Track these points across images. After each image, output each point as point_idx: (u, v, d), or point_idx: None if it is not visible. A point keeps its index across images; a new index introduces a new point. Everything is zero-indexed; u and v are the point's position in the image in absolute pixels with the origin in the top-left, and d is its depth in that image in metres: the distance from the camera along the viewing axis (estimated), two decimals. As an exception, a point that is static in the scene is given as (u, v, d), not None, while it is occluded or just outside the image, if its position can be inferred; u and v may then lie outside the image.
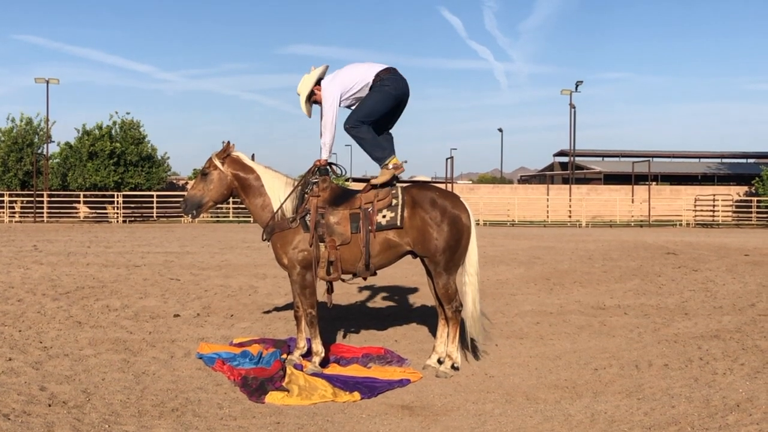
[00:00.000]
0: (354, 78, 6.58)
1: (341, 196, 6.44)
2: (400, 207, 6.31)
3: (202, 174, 6.57)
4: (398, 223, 6.29)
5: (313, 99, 6.74)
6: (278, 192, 6.45)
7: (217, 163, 6.50)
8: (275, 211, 6.41)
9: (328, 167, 6.65)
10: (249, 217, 37.62)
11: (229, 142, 6.58)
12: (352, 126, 6.57)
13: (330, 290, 6.70)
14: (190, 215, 6.61)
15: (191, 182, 44.55)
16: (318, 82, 6.64)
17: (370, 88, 6.57)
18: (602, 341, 7.77)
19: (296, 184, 6.53)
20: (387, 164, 6.52)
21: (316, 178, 6.50)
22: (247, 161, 6.60)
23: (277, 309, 9.39)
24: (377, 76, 6.57)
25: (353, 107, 6.70)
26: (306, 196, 6.41)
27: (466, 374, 6.38)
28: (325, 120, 6.54)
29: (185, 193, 6.68)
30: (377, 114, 6.60)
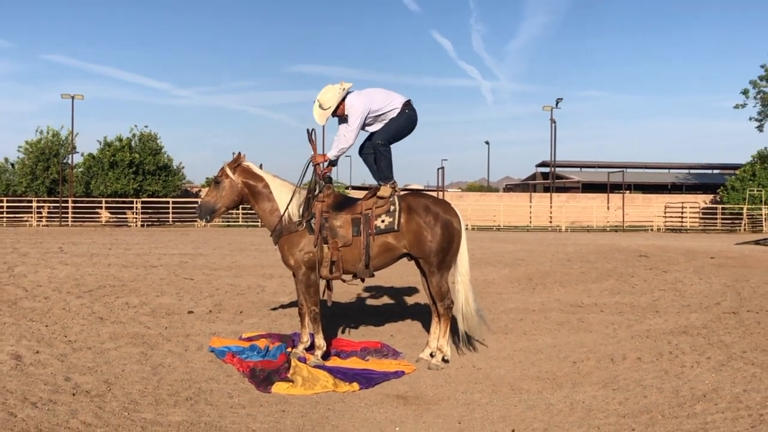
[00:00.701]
0: (383, 101, 6.62)
1: (343, 203, 6.47)
2: (397, 212, 6.34)
3: (215, 182, 6.52)
4: (396, 227, 6.31)
5: (336, 111, 6.62)
6: (286, 198, 6.43)
7: (229, 172, 6.46)
8: (283, 215, 6.40)
9: (330, 177, 6.67)
10: (257, 221, 37.60)
11: (240, 153, 6.56)
12: (383, 144, 6.65)
13: (329, 288, 6.69)
14: (204, 220, 6.56)
15: (204, 190, 44.54)
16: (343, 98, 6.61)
17: (399, 113, 6.65)
18: (580, 336, 7.77)
19: (295, 188, 6.51)
20: (388, 185, 6.54)
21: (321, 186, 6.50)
22: (257, 170, 6.56)
23: (283, 306, 9.38)
24: (405, 104, 6.69)
25: (370, 126, 6.74)
26: (311, 201, 6.41)
27: (456, 367, 6.37)
28: (351, 129, 6.49)
29: (200, 199, 6.61)
30: (400, 137, 6.80)
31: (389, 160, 6.70)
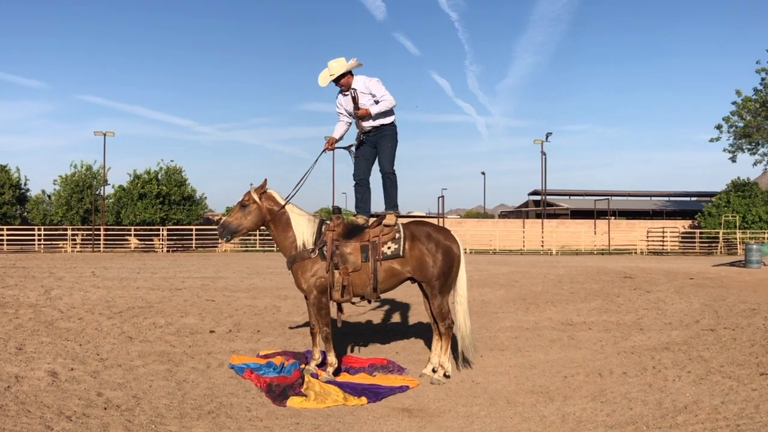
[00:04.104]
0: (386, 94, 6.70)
1: (352, 231, 6.45)
2: (402, 240, 6.35)
3: (242, 205, 6.37)
4: (401, 254, 6.32)
5: (340, 80, 6.68)
6: (301, 227, 6.40)
7: (256, 197, 6.35)
8: (297, 243, 6.39)
9: (339, 207, 6.70)
10: (272, 246, 37.60)
11: (266, 180, 6.45)
12: (394, 172, 6.76)
13: (340, 310, 6.65)
14: (225, 239, 6.42)
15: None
16: (349, 71, 6.68)
17: (393, 133, 6.76)
18: (571, 353, 7.73)
19: (310, 218, 6.52)
20: (391, 214, 6.59)
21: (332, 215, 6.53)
22: (279, 198, 6.47)
23: (297, 326, 9.36)
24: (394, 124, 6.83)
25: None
26: (323, 230, 6.41)
27: (456, 381, 6.35)
28: (389, 95, 6.60)
29: (223, 219, 6.49)
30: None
31: (397, 187, 6.75)
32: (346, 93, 6.78)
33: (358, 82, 6.72)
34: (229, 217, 6.43)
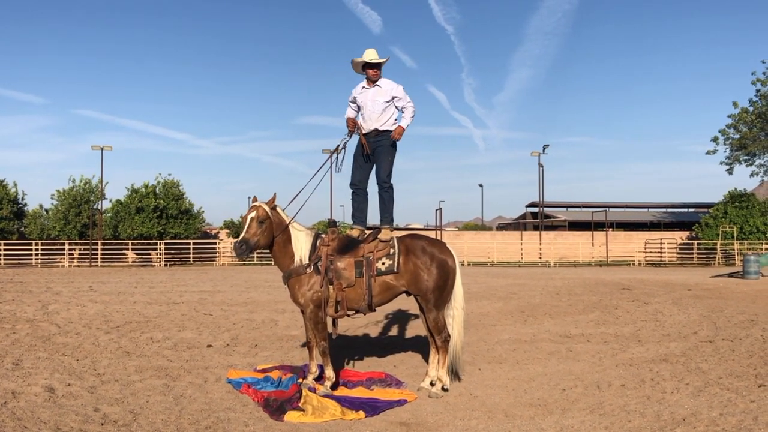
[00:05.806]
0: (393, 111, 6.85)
1: (347, 246, 6.45)
2: (396, 255, 6.35)
3: (259, 221, 6.24)
4: (395, 270, 6.32)
5: (374, 68, 6.78)
6: (300, 242, 6.40)
7: (269, 212, 6.29)
8: (294, 258, 6.39)
9: (335, 221, 6.72)
10: (270, 260, 37.54)
11: (275, 194, 6.41)
12: (391, 185, 6.79)
13: (335, 323, 6.64)
14: (243, 256, 6.22)
15: (224, 231, 44.46)
16: (379, 65, 6.80)
17: (393, 145, 6.77)
18: (569, 365, 7.72)
19: (308, 233, 6.52)
20: (387, 228, 6.60)
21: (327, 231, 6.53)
22: (283, 214, 6.47)
23: (294, 340, 9.34)
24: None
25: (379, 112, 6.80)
26: (318, 245, 6.41)
27: (454, 395, 6.34)
28: (412, 109, 6.80)
29: (242, 236, 6.33)
30: None
31: (393, 200, 6.78)
32: (366, 87, 6.83)
33: (385, 82, 6.81)
34: (247, 234, 6.24)
